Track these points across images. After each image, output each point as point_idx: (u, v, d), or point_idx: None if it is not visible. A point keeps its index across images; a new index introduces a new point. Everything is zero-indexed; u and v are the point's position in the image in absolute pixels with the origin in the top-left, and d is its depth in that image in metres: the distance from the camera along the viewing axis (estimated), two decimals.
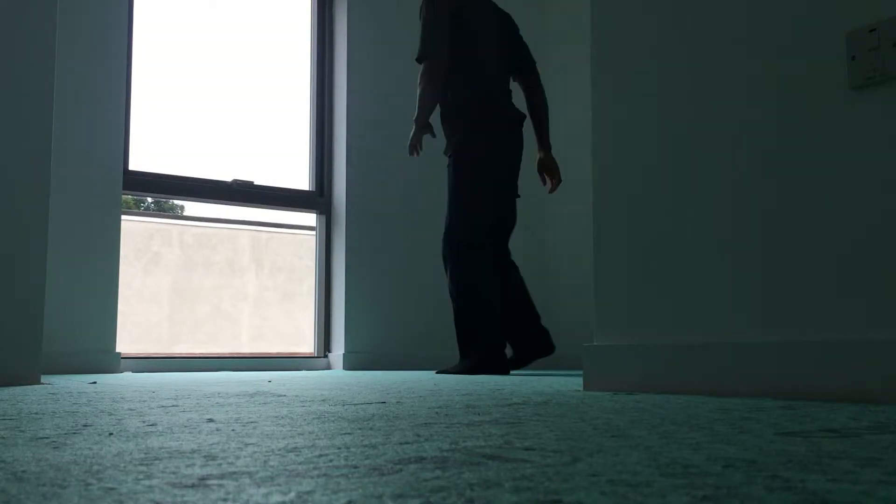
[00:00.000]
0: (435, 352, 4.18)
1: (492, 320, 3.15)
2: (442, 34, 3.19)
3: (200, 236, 4.26)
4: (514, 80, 3.47)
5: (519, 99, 3.41)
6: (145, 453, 0.76)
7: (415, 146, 3.24)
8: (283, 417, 1.15)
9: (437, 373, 3.20)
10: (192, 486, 0.58)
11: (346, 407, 1.35)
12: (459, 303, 3.20)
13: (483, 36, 3.29)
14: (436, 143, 4.31)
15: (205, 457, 0.73)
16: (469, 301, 3.17)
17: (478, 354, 3.12)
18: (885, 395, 1.37)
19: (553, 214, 4.68)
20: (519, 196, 3.36)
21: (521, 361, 3.29)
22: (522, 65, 3.42)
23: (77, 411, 1.26)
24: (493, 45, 3.31)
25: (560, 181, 3.39)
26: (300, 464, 0.68)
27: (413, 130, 3.24)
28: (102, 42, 3.69)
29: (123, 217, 3.77)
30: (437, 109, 3.31)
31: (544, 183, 3.42)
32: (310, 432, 0.94)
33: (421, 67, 3.22)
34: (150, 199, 4.35)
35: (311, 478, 0.61)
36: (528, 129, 3.40)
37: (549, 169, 3.38)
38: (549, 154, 3.38)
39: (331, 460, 0.70)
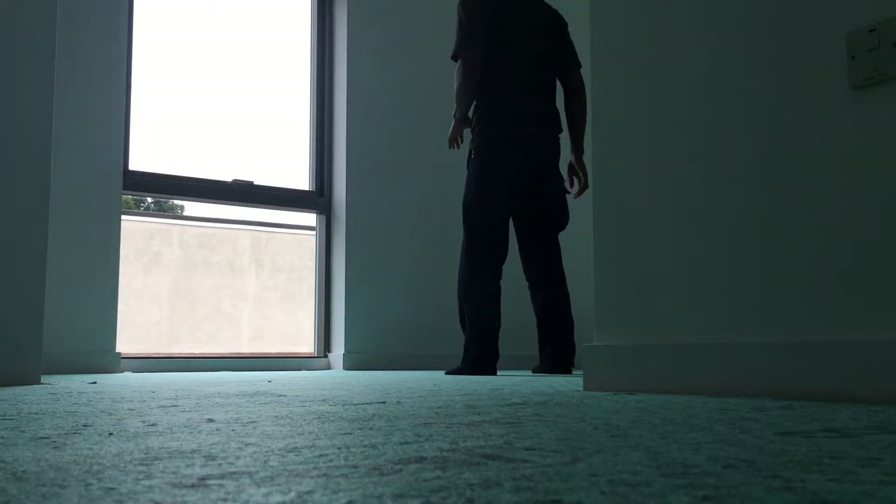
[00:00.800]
0: (435, 352, 4.18)
1: (482, 320, 3.16)
2: (473, 32, 3.22)
3: (200, 236, 4.26)
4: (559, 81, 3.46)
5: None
6: (145, 453, 0.76)
7: (454, 139, 3.30)
8: (283, 417, 1.15)
9: (445, 373, 3.22)
10: (192, 486, 0.58)
11: (346, 407, 1.35)
12: (459, 302, 3.25)
13: (502, 35, 3.27)
14: (428, 144, 4.32)
15: (205, 457, 0.73)
16: (463, 300, 3.21)
17: (470, 356, 3.15)
18: (885, 395, 1.37)
19: None
20: (568, 192, 3.35)
21: (539, 370, 3.30)
22: (560, 65, 3.40)
23: (77, 411, 1.26)
24: (516, 44, 3.29)
25: (586, 187, 3.37)
26: (300, 464, 0.68)
27: (452, 125, 3.29)
28: (102, 42, 3.69)
29: (123, 217, 3.77)
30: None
31: (572, 185, 3.41)
32: (310, 432, 0.94)
33: (457, 65, 3.26)
34: (150, 199, 4.35)
35: (311, 478, 0.61)
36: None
37: (576, 173, 3.38)
38: (579, 158, 3.37)
39: (331, 460, 0.70)
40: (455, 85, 3.27)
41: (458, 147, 3.33)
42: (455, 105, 3.27)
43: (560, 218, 3.32)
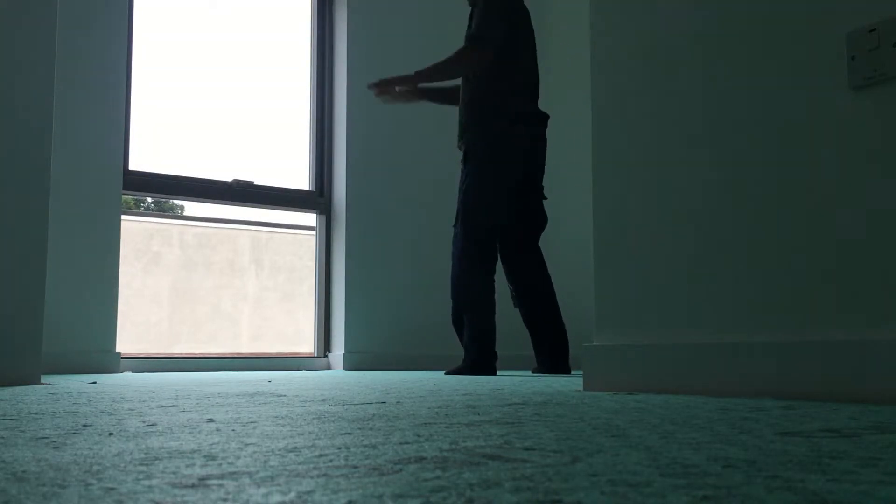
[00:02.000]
0: (435, 352, 4.18)
1: (482, 320, 3.16)
2: (499, 27, 3.17)
3: (200, 236, 4.26)
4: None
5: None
6: (145, 453, 0.76)
7: (389, 91, 3.28)
8: (283, 417, 1.15)
9: (445, 373, 3.22)
10: (192, 486, 0.58)
11: (346, 407, 1.35)
12: (455, 303, 3.24)
13: (516, 35, 3.25)
14: (428, 144, 4.32)
15: (205, 457, 0.73)
16: (460, 301, 3.20)
17: (470, 356, 3.14)
18: (885, 395, 1.37)
19: (553, 214, 4.67)
20: (545, 198, 3.34)
21: (538, 371, 3.30)
22: None
23: (77, 411, 1.26)
24: (526, 44, 3.28)
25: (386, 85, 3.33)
26: (300, 464, 0.68)
27: (402, 76, 3.25)
28: (102, 42, 3.69)
29: (123, 217, 3.77)
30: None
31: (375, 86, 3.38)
32: (310, 432, 0.94)
33: (463, 46, 3.20)
34: (150, 199, 4.35)
35: (311, 478, 0.61)
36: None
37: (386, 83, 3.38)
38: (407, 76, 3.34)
39: (331, 460, 0.70)
40: (447, 57, 3.20)
41: (377, 93, 3.30)
42: (428, 67, 3.21)
43: (544, 219, 3.33)
